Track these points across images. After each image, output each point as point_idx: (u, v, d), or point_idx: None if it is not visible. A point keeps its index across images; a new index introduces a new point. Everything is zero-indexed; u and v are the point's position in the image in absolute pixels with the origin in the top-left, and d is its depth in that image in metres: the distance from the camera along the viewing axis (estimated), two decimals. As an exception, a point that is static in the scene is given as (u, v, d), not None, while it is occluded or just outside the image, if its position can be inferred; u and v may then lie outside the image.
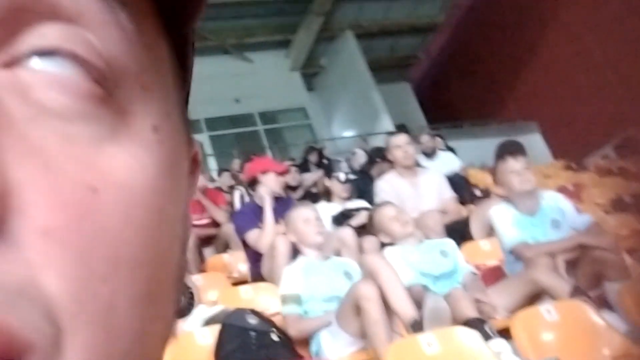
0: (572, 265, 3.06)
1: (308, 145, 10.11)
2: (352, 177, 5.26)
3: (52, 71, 0.22)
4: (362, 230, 4.05)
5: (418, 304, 2.65)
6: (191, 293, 3.08)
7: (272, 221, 3.93)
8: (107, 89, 0.22)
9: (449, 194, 4.58)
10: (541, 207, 3.32)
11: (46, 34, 0.22)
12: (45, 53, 0.22)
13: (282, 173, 4.43)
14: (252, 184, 4.35)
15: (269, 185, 4.18)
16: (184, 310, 3.02)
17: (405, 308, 2.54)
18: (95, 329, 0.20)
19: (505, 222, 3.28)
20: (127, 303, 0.21)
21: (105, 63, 0.22)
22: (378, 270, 2.65)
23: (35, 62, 0.22)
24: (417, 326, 2.46)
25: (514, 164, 3.31)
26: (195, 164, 0.32)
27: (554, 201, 3.36)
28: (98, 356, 0.20)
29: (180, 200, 0.26)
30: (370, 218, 3.55)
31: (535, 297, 2.91)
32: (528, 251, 3.09)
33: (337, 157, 9.55)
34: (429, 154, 6.95)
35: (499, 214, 3.33)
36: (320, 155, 8.73)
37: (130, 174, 0.22)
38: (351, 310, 2.63)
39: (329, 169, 7.44)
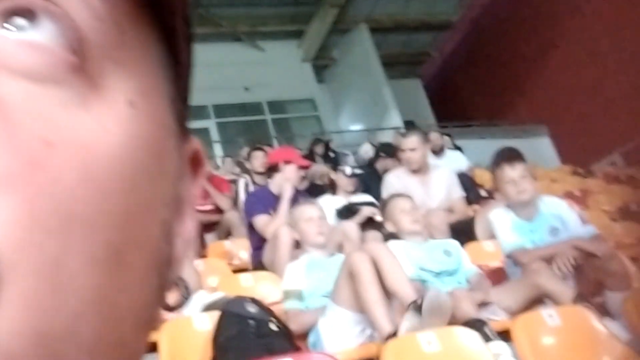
0: (574, 272, 3.04)
1: (315, 137, 10.09)
2: (358, 171, 5.23)
3: (24, 35, 0.22)
4: (365, 224, 4.04)
5: None
6: (186, 287, 3.06)
7: (287, 210, 3.92)
8: (78, 58, 0.22)
9: (458, 193, 4.54)
10: (540, 213, 3.28)
11: None
12: (18, 12, 0.22)
13: (303, 167, 4.41)
14: (272, 170, 4.33)
15: (289, 176, 4.16)
16: (178, 304, 3.01)
17: (406, 289, 2.52)
18: (38, 282, 0.20)
19: (504, 227, 3.26)
20: (80, 264, 0.21)
21: (76, 31, 0.23)
22: (380, 256, 2.63)
23: (7, 25, 0.22)
24: (417, 309, 2.43)
25: (510, 172, 3.24)
26: (197, 164, 0.32)
27: (555, 208, 3.30)
28: (41, 309, 0.20)
29: (164, 184, 0.26)
30: (384, 204, 3.53)
31: (535, 301, 2.89)
32: (524, 257, 3.07)
33: (344, 150, 9.53)
34: (437, 152, 6.93)
35: (498, 218, 3.31)
36: (327, 147, 8.71)
37: (94, 137, 0.22)
38: (346, 281, 2.61)
39: (335, 162, 7.42)
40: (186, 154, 0.31)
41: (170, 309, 3.02)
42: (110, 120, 0.23)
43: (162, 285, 0.27)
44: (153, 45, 0.27)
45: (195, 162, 0.32)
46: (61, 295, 0.20)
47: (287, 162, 4.26)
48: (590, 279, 2.93)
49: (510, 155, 3.35)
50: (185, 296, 3.02)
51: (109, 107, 0.23)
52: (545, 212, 3.28)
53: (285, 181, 4.10)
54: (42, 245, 0.20)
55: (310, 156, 7.98)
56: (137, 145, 0.24)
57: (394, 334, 2.38)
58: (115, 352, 0.23)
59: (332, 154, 8.42)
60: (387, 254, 2.66)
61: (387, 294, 2.56)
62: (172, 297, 2.94)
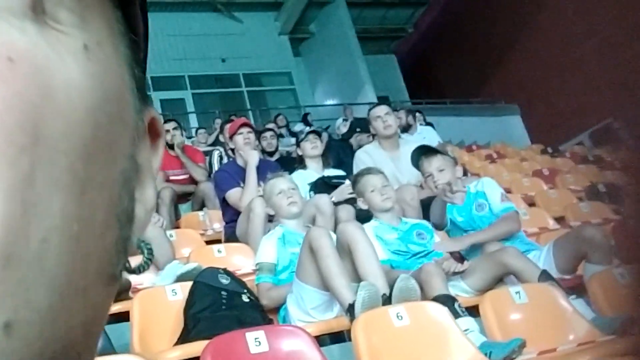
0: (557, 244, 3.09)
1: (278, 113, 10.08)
2: (314, 129, 5.12)
3: None
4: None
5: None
6: (150, 249, 3.05)
7: (255, 179, 3.93)
8: None
9: None
10: (467, 195, 3.57)
11: None
12: None
13: (245, 126, 4.38)
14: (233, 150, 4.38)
15: (239, 146, 4.25)
16: (142, 266, 3.00)
17: (377, 281, 2.54)
18: (10, 199, 0.20)
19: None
20: (48, 185, 0.21)
21: None
22: (355, 241, 2.64)
23: None
24: (386, 302, 2.47)
25: (428, 168, 3.61)
26: (155, 134, 0.32)
27: (481, 186, 3.56)
28: (10, 228, 0.20)
29: (124, 133, 0.26)
30: (355, 179, 3.50)
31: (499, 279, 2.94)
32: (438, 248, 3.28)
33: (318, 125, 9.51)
34: (405, 128, 6.97)
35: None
36: (305, 119, 8.65)
37: (53, 64, 0.22)
38: (307, 257, 2.63)
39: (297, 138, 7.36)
40: (145, 121, 0.31)
41: (133, 271, 3.02)
42: (67, 56, 0.23)
43: (123, 238, 0.27)
44: (109, 8, 0.27)
45: (153, 133, 0.32)
46: (30, 216, 0.20)
47: (231, 136, 4.35)
48: (572, 250, 2.97)
49: (427, 150, 3.70)
50: (149, 258, 3.01)
51: (65, 46, 0.23)
52: (472, 192, 3.56)
53: (243, 153, 4.16)
54: (13, 160, 0.20)
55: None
56: (95, 84, 0.24)
57: (354, 305, 2.40)
58: (79, 300, 0.23)
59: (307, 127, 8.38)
60: (362, 239, 2.66)
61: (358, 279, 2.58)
62: (135, 260, 2.94)
